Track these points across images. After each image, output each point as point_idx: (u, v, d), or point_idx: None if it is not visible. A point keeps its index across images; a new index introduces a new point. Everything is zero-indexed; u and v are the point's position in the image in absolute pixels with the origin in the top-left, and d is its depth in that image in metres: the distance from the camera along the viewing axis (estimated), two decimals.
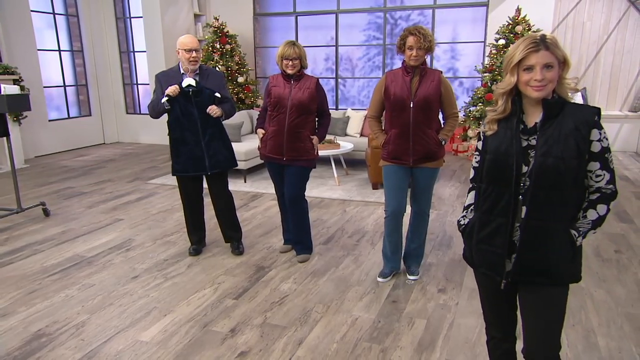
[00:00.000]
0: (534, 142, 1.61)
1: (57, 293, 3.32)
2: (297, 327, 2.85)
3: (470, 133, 7.58)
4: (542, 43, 1.55)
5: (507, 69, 1.64)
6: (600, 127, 1.57)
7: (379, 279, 3.45)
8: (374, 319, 2.92)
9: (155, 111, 3.67)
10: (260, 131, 3.70)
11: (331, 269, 3.65)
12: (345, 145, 6.34)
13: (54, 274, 3.62)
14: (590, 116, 1.57)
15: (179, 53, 3.58)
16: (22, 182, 6.35)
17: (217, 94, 3.63)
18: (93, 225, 4.72)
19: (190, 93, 3.55)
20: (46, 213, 5.00)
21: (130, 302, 3.18)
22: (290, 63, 3.45)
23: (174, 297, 3.24)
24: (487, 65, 7.46)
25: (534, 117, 1.64)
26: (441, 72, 3.17)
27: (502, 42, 7.29)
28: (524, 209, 1.61)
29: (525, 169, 1.60)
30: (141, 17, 8.95)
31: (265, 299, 3.20)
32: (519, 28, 7.16)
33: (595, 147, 1.58)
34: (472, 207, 1.85)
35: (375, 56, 9.47)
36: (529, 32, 7.18)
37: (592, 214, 1.61)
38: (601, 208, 1.61)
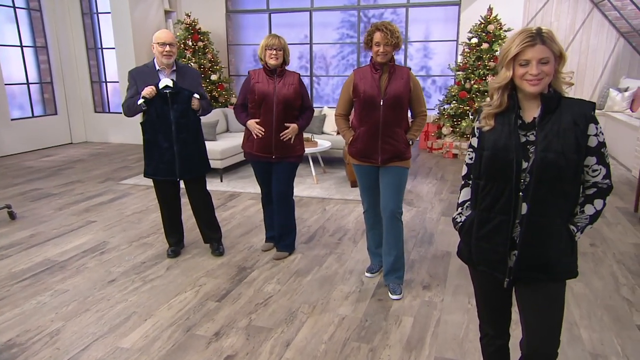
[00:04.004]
0: (532, 137, 1.60)
1: (28, 300, 3.15)
2: (283, 328, 2.79)
3: (444, 131, 7.65)
4: (539, 37, 1.54)
5: (502, 63, 1.62)
6: (596, 122, 1.57)
7: (367, 274, 3.43)
8: (361, 318, 2.89)
9: (130, 111, 3.53)
10: (253, 120, 3.56)
11: (314, 268, 3.60)
12: (323, 143, 6.30)
13: (23, 280, 3.44)
14: (588, 110, 1.57)
15: (153, 48, 3.46)
16: None
17: (196, 95, 3.53)
18: (64, 228, 4.53)
19: (168, 95, 3.43)
20: (12, 216, 4.77)
21: (107, 307, 3.05)
22: (274, 53, 3.40)
23: (154, 301, 3.13)
24: (461, 64, 7.55)
25: (531, 112, 1.63)
26: (409, 68, 3.12)
27: (474, 40, 7.38)
28: (524, 205, 1.60)
29: (525, 164, 1.59)
30: (109, 12, 8.68)
31: (249, 300, 3.13)
32: (491, 27, 7.28)
33: (592, 142, 1.58)
34: (467, 204, 1.83)
35: (349, 54, 9.47)
36: (501, 31, 7.31)
37: (589, 209, 1.62)
38: (598, 203, 1.61)
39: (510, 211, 1.62)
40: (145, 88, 3.39)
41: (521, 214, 1.62)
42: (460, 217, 1.83)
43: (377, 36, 2.94)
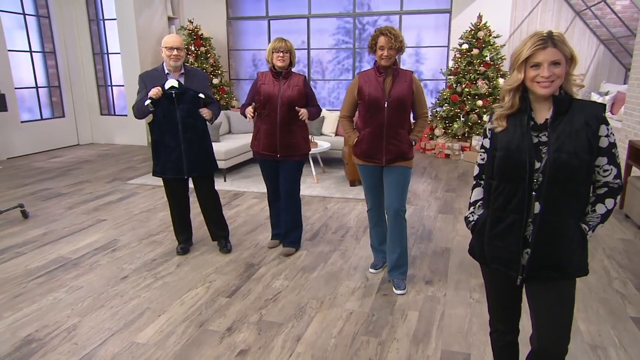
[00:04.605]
0: (544, 138, 1.56)
1: (44, 296, 3.08)
2: (293, 323, 2.74)
3: (437, 132, 7.63)
4: (550, 40, 1.50)
5: (514, 65, 1.58)
6: (607, 123, 1.54)
7: (371, 270, 3.39)
8: (368, 312, 2.85)
9: (139, 112, 3.47)
10: (249, 108, 3.48)
11: (320, 264, 3.55)
12: (322, 144, 6.25)
13: (39, 277, 3.36)
14: (599, 112, 1.54)
15: (162, 52, 3.42)
16: None
17: (201, 95, 3.47)
18: (75, 226, 4.45)
19: (173, 95, 3.38)
20: (25, 215, 4.68)
21: (121, 304, 2.99)
22: (281, 55, 3.37)
23: (166, 297, 3.07)
24: (452, 69, 7.53)
25: (542, 113, 1.59)
26: (412, 72, 3.08)
27: (465, 46, 7.36)
28: (537, 204, 1.56)
29: (537, 165, 1.55)
30: (115, 19, 8.58)
31: (259, 296, 3.08)
32: (481, 34, 7.26)
33: (603, 143, 1.54)
34: (479, 204, 1.79)
35: (345, 59, 9.42)
36: (490, 38, 7.29)
37: (600, 208, 1.59)
38: (609, 202, 1.58)
39: (524, 210, 1.58)
40: (152, 89, 3.34)
41: (534, 213, 1.58)
42: (473, 216, 1.79)
43: (381, 40, 2.90)
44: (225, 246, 3.81)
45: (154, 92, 3.32)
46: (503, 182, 1.62)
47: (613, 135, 1.56)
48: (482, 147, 1.77)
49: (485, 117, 7.15)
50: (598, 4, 8.64)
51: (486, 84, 7.15)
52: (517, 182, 1.58)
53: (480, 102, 7.17)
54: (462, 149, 7.38)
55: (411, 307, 2.90)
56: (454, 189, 5.63)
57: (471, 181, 5.94)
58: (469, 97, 7.30)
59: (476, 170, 1.82)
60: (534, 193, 1.56)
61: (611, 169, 1.57)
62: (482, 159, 1.77)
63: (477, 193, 1.82)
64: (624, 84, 8.47)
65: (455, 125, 7.34)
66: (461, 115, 7.43)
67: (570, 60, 1.53)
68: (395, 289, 3.09)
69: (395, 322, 2.73)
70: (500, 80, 7.19)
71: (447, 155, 7.47)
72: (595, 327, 2.68)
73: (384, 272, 3.36)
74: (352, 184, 5.73)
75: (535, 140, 1.58)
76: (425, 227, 4.33)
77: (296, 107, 3.44)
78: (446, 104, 7.47)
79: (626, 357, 2.43)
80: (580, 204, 1.59)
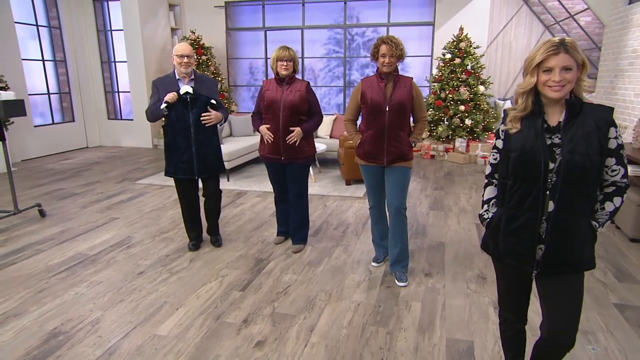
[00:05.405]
0: (557, 140, 1.53)
1: (67, 291, 2.97)
2: (305, 315, 2.68)
3: (422, 135, 7.61)
4: (562, 46, 1.46)
5: (527, 69, 1.54)
6: (616, 125, 1.51)
7: (373, 264, 3.34)
8: (374, 304, 2.80)
9: (153, 115, 3.38)
10: (264, 126, 3.44)
11: (325, 259, 3.49)
12: (319, 146, 6.17)
13: (60, 273, 3.24)
14: (609, 115, 1.50)
15: (173, 59, 3.35)
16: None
17: (213, 101, 3.39)
18: (90, 224, 4.31)
19: (188, 100, 3.29)
20: (42, 214, 4.53)
21: (140, 298, 2.89)
22: (285, 64, 3.28)
23: (182, 291, 2.98)
24: (436, 76, 7.52)
25: (554, 116, 1.56)
26: (412, 78, 3.03)
27: (448, 56, 7.36)
28: (550, 203, 1.52)
29: (551, 165, 1.51)
30: (122, 29, 8.39)
31: (270, 289, 3.00)
32: (462, 44, 7.25)
33: (612, 144, 1.51)
34: (492, 202, 1.75)
35: (335, 67, 9.36)
36: (471, 48, 7.30)
37: (609, 206, 1.56)
38: (617, 200, 1.55)
39: (538, 209, 1.54)
40: (168, 94, 3.25)
41: (547, 212, 1.54)
42: (487, 213, 1.74)
43: (383, 48, 2.85)
44: (217, 241, 3.77)
45: (170, 96, 3.24)
46: (518, 182, 1.58)
47: (621, 137, 1.53)
48: (495, 147, 1.72)
49: (468, 121, 7.15)
50: (565, 20, 8.72)
51: (468, 90, 7.16)
52: (531, 182, 1.54)
53: (462, 107, 7.17)
54: (446, 150, 7.39)
55: (414, 298, 2.85)
56: (441, 187, 5.61)
57: (456, 180, 5.94)
58: (452, 102, 7.29)
59: (488, 170, 1.78)
60: (547, 192, 1.53)
61: (619, 169, 1.53)
62: (495, 159, 1.73)
63: (490, 191, 1.77)
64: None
65: (440, 129, 7.33)
66: (445, 119, 7.42)
67: (582, 66, 1.49)
68: (398, 281, 3.04)
69: (400, 312, 2.69)
70: (481, 87, 7.20)
71: (433, 156, 7.46)
72: (583, 314, 2.64)
73: (386, 266, 3.31)
74: (348, 183, 5.67)
75: (548, 142, 1.54)
76: (419, 223, 4.30)
77: (290, 127, 3.36)
78: (431, 109, 7.45)
79: (613, 340, 2.42)
80: (591, 203, 1.56)
